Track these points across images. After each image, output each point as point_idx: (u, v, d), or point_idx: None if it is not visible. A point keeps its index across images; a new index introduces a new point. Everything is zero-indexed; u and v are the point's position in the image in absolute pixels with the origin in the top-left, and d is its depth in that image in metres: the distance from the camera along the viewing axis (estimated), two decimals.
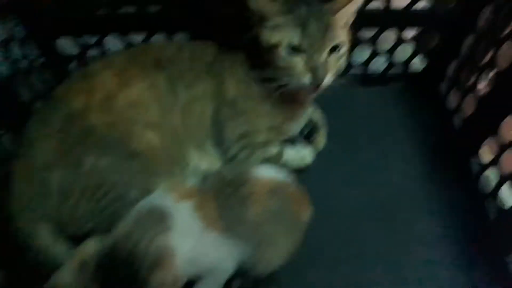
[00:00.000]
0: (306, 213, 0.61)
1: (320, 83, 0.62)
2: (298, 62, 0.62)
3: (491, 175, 0.71)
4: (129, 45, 0.80)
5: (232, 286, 0.61)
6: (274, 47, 0.62)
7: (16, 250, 0.60)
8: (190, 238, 0.53)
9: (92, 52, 0.82)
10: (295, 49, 0.61)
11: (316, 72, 0.61)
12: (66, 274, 0.51)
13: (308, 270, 0.65)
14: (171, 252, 0.49)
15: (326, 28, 0.61)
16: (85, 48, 0.81)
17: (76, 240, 0.59)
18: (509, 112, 0.65)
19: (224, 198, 0.56)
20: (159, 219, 0.53)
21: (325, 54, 0.61)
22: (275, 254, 0.58)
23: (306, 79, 0.62)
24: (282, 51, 0.62)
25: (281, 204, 0.58)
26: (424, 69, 0.90)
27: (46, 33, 0.77)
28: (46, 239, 0.60)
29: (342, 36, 0.63)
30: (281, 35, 0.62)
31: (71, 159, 0.60)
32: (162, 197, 0.56)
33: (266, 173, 0.61)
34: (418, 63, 0.90)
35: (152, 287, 0.47)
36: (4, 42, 0.68)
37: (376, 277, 0.66)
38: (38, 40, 0.76)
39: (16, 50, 0.71)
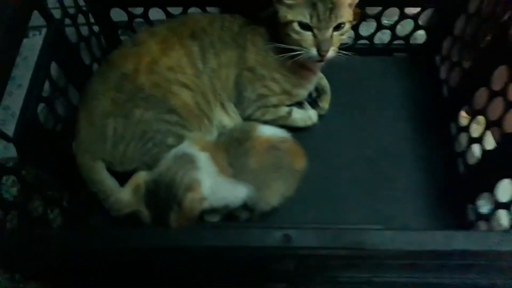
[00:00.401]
0: (300, 164, 0.77)
1: (325, 56, 0.75)
2: (307, 37, 0.74)
3: (464, 137, 0.84)
4: (169, 16, 0.94)
5: (241, 217, 0.78)
6: (289, 23, 0.75)
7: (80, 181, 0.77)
8: (209, 178, 0.70)
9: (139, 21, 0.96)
10: (305, 26, 0.74)
11: (321, 46, 0.74)
12: (125, 193, 0.71)
13: (299, 207, 0.80)
14: (198, 183, 0.67)
15: (332, 9, 0.72)
16: (133, 18, 0.95)
17: (123, 176, 0.76)
18: (483, 85, 0.77)
19: (232, 151, 0.73)
20: (190, 161, 0.70)
21: (330, 31, 0.73)
22: (272, 196, 0.74)
23: (313, 51, 0.75)
24: (295, 27, 0.74)
25: (277, 157, 0.74)
26: (424, 42, 1.01)
27: (102, 5, 0.91)
28: (101, 174, 0.77)
29: (346, 15, 0.74)
30: (295, 13, 0.74)
31: (124, 110, 0.75)
32: (190, 147, 0.73)
33: (267, 131, 0.76)
34: (420, 36, 1.01)
35: (185, 204, 0.65)
36: (74, 15, 0.83)
37: (355, 212, 0.81)
38: (95, 11, 0.91)
39: (81, 21, 0.85)
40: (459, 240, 0.44)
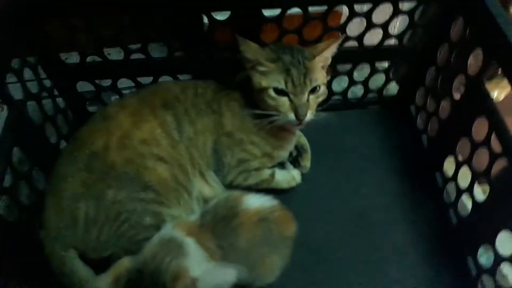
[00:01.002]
0: (291, 230, 0.72)
1: (302, 120, 0.74)
2: (284, 102, 0.73)
3: (452, 188, 0.82)
4: (138, 84, 0.91)
5: None
6: (264, 89, 0.74)
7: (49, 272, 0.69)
8: (198, 265, 0.64)
9: (107, 94, 0.93)
10: (280, 92, 0.73)
11: (298, 111, 0.73)
12: (103, 283, 0.62)
13: (291, 275, 0.74)
14: (186, 270, 0.61)
15: (306, 73, 0.72)
16: (101, 90, 0.92)
17: (98, 264, 0.69)
18: (464, 135, 0.77)
19: (220, 231, 0.67)
20: (177, 246, 0.64)
21: (305, 95, 0.73)
22: (267, 272, 0.69)
23: (291, 116, 0.74)
24: (270, 93, 0.73)
25: (268, 229, 0.69)
26: (397, 94, 1.02)
27: (68, 80, 0.87)
28: (73, 264, 0.70)
29: (320, 78, 0.75)
30: (269, 80, 0.73)
31: (95, 192, 0.70)
32: (176, 231, 0.67)
33: (254, 202, 0.71)
34: (393, 88, 1.02)
35: None
36: (37, 95, 0.78)
37: (350, 274, 0.77)
38: (61, 87, 0.87)
39: (45, 99, 0.81)
40: None
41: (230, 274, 0.66)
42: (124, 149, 0.73)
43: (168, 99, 0.79)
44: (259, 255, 0.68)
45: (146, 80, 0.91)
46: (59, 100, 0.88)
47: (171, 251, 0.62)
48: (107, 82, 0.91)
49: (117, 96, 0.93)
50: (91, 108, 0.95)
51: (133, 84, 0.92)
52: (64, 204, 0.70)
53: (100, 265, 0.70)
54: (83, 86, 0.91)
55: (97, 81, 0.91)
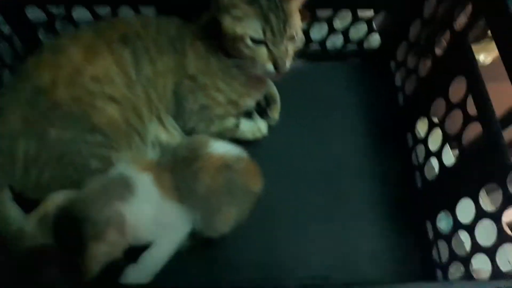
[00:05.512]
0: (256, 186, 0.68)
1: (282, 71, 0.68)
2: (262, 52, 0.67)
3: (421, 150, 0.79)
4: (96, 16, 0.82)
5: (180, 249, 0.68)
6: (239, 37, 0.66)
7: None
8: (150, 205, 0.61)
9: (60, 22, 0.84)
10: (258, 40, 0.66)
11: (278, 62, 0.67)
12: (30, 223, 0.57)
13: (246, 230, 0.71)
14: (122, 219, 0.56)
15: (286, 19, 0.65)
16: (53, 17, 0.83)
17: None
18: (440, 95, 0.72)
19: (179, 172, 0.63)
20: (124, 186, 0.60)
21: (285, 44, 0.67)
22: (222, 222, 0.65)
23: (269, 67, 0.68)
24: (247, 42, 0.66)
25: (230, 178, 0.65)
26: (378, 47, 0.95)
27: (14, 2, 0.78)
28: (5, 205, 0.65)
29: (298, 23, 0.68)
30: (245, 27, 0.66)
31: (37, 130, 0.64)
32: (128, 168, 0.62)
33: (219, 149, 0.67)
34: (375, 41, 0.96)
35: (87, 255, 0.54)
36: None
37: (316, 231, 0.75)
38: (6, 10, 0.78)
39: None
40: None
41: (185, 217, 0.63)
42: (73, 86, 0.66)
43: (127, 34, 0.72)
44: (217, 204, 0.64)
45: (104, 11, 0.82)
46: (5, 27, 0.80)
47: (114, 195, 0.57)
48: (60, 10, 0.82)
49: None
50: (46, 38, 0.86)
51: (90, 16, 0.83)
52: (1, 140, 0.65)
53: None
54: (36, 14, 0.82)
55: (53, 11, 0.81)
